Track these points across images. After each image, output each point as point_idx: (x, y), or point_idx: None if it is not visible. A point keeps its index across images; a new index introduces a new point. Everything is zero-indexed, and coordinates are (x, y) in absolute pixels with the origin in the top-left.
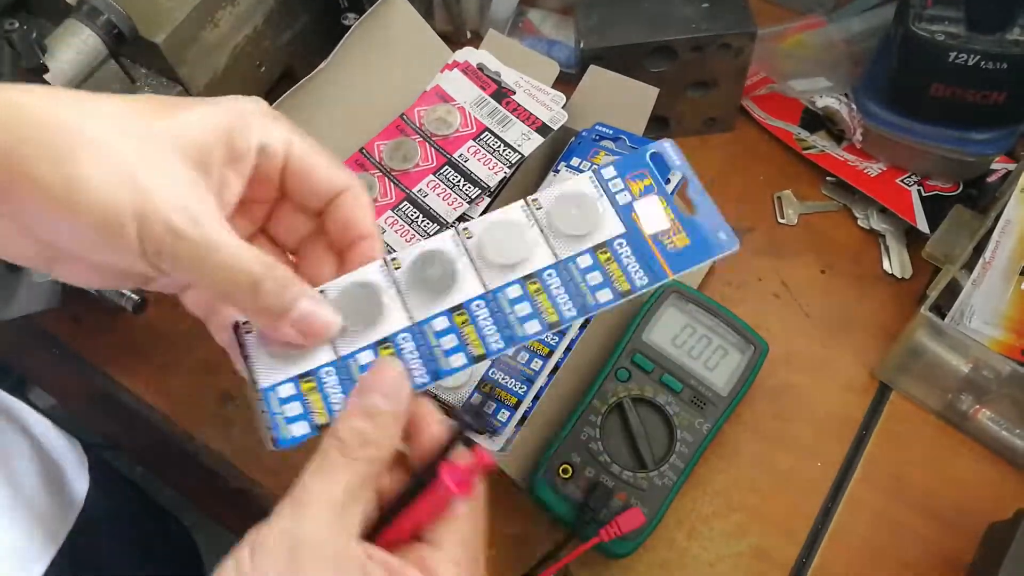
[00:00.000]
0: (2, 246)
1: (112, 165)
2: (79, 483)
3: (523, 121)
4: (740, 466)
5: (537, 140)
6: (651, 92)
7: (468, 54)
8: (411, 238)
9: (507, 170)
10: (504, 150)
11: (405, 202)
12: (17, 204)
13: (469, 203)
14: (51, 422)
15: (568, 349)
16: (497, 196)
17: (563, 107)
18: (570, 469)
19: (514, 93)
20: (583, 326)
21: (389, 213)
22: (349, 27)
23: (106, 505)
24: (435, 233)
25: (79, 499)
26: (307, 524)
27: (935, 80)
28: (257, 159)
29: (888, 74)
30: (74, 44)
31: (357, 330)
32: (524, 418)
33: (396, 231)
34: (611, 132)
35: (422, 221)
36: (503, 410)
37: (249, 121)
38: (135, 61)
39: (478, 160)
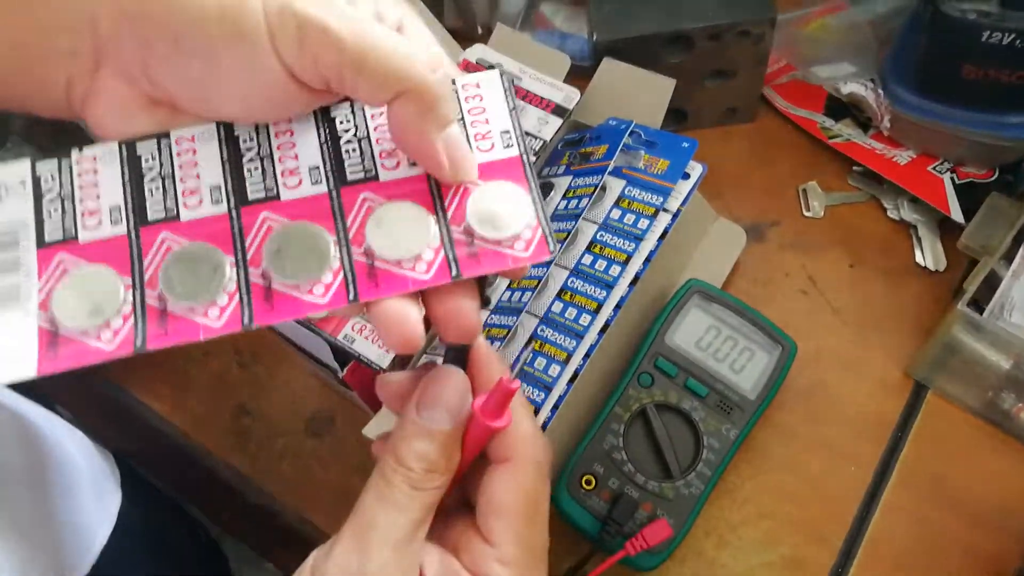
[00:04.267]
0: (106, 115)
1: None
2: (113, 496)
3: (536, 106)
4: (770, 472)
5: (556, 122)
6: (668, 84)
7: (478, 52)
8: None
9: (532, 157)
10: (525, 139)
11: None
12: (130, 27)
13: None
14: (86, 435)
15: (587, 355)
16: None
17: (577, 103)
18: (593, 480)
19: (520, 80)
20: (602, 330)
21: None
22: None
23: (138, 518)
24: None
25: (113, 512)
26: (373, 559)
27: (967, 61)
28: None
29: (917, 57)
30: None
31: None
32: (544, 428)
33: None
34: (625, 126)
35: None
36: None
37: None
38: None
39: None
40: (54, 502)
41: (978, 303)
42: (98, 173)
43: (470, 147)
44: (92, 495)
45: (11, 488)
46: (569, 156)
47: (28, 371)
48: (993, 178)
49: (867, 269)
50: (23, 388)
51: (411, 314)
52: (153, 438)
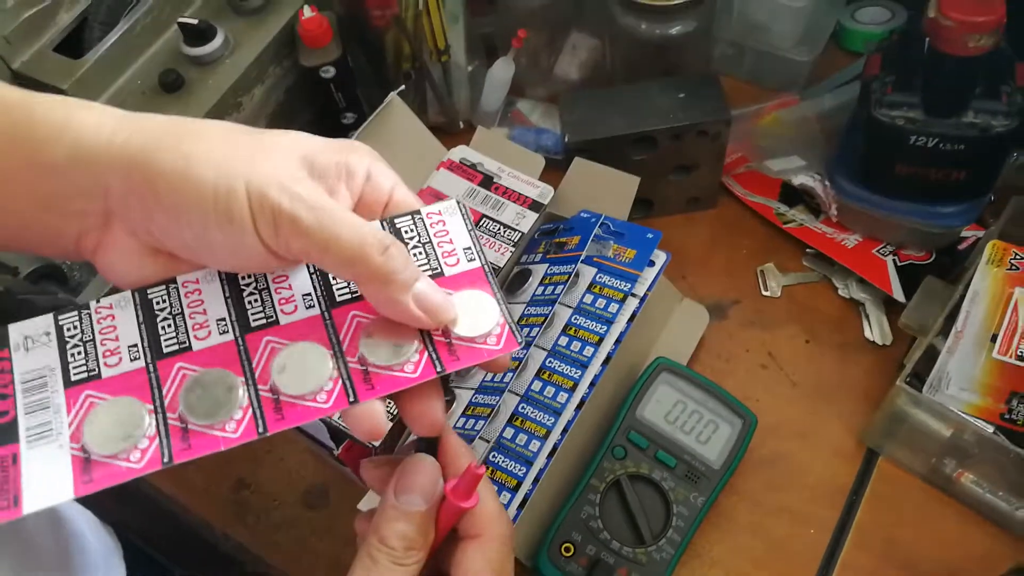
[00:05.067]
0: (115, 263)
1: (229, 147)
2: (119, 572)
3: (514, 202)
4: (736, 535)
5: (532, 216)
6: (633, 181)
7: (460, 152)
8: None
9: (512, 248)
10: (504, 231)
11: None
12: (137, 197)
13: None
14: (90, 512)
15: (565, 430)
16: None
17: (551, 198)
18: (572, 547)
19: (499, 178)
20: (578, 407)
21: None
22: (348, 125)
23: None
24: None
25: None
26: None
27: (899, 160)
28: (365, 186)
29: (856, 153)
30: None
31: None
32: (525, 500)
33: None
34: (595, 219)
35: None
36: (504, 492)
37: (362, 151)
38: None
39: (484, 245)
40: None
41: (919, 376)
42: (115, 319)
43: (440, 266)
44: (103, 572)
45: (32, 567)
46: (545, 245)
47: (66, 495)
48: (931, 260)
49: (822, 344)
50: None
51: (377, 410)
52: (155, 512)
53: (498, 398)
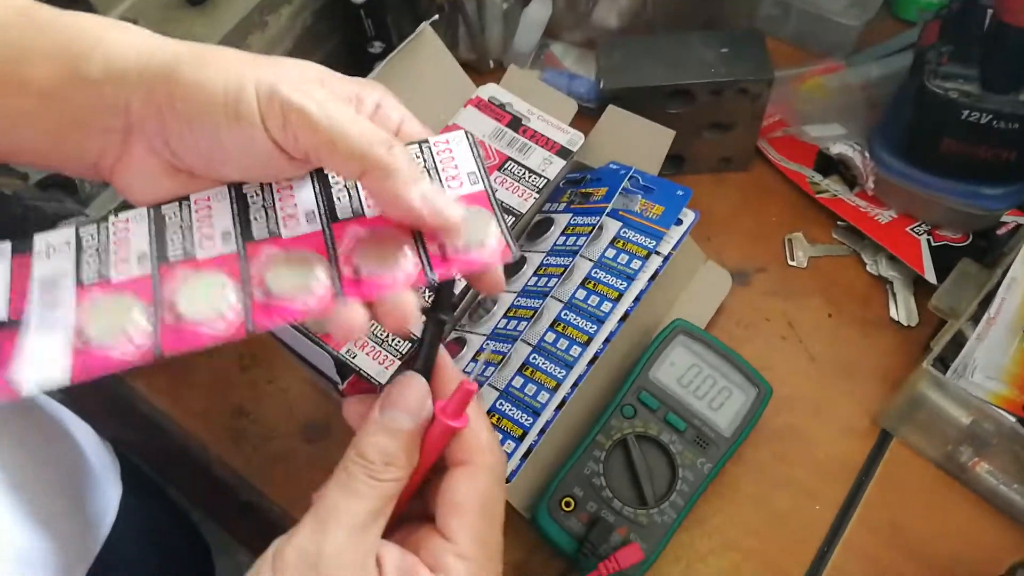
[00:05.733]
0: (133, 181)
1: (244, 61)
2: (115, 488)
3: (542, 146)
4: (739, 505)
5: (559, 163)
6: (668, 134)
7: (490, 90)
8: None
9: (536, 195)
10: (530, 176)
11: None
12: (155, 112)
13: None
14: (89, 425)
15: (575, 384)
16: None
17: (580, 146)
18: (572, 502)
19: (528, 120)
20: (591, 362)
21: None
22: (375, 54)
23: (134, 508)
24: None
25: (115, 504)
26: (329, 542)
27: (947, 135)
28: (376, 113)
29: (902, 125)
30: None
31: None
32: (530, 450)
33: None
34: (625, 171)
35: None
36: (509, 441)
37: (373, 86)
38: None
39: (506, 189)
40: (67, 494)
41: (944, 360)
42: (130, 231)
43: (443, 189)
44: (98, 487)
45: (34, 481)
46: (570, 194)
47: (64, 379)
48: (967, 243)
49: (844, 320)
50: None
51: (356, 311)
52: (151, 431)
53: (510, 346)
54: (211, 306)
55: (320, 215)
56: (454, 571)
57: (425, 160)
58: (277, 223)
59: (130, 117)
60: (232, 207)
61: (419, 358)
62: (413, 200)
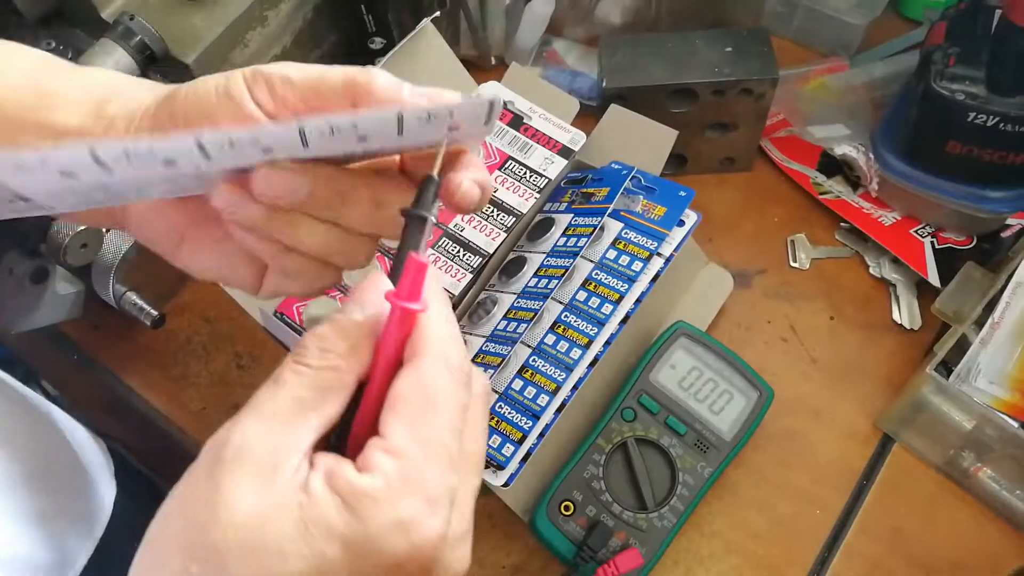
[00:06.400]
0: (142, 228)
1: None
2: (109, 488)
3: (543, 145)
4: (739, 509)
5: (561, 163)
6: (670, 134)
7: (491, 88)
8: (455, 273)
9: (536, 195)
10: (531, 176)
11: (444, 238)
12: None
13: (507, 231)
14: (80, 423)
15: (575, 387)
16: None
17: (582, 146)
18: (571, 506)
19: (530, 119)
20: (591, 364)
21: (429, 251)
22: (376, 50)
23: (130, 511)
24: (478, 267)
25: (109, 504)
26: (237, 431)
27: (952, 137)
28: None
29: (906, 127)
30: (107, 63)
31: None
32: (529, 454)
33: (439, 266)
34: (627, 171)
35: (464, 255)
36: (508, 444)
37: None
38: (165, 78)
39: (507, 189)
40: (61, 496)
41: (947, 365)
42: None
43: None
44: (91, 487)
45: (25, 482)
46: (571, 194)
47: None
48: (971, 246)
49: (846, 322)
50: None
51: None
52: (148, 429)
53: (509, 348)
54: None
55: None
56: (379, 468)
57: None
58: None
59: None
60: None
61: (395, 262)
62: (404, 95)
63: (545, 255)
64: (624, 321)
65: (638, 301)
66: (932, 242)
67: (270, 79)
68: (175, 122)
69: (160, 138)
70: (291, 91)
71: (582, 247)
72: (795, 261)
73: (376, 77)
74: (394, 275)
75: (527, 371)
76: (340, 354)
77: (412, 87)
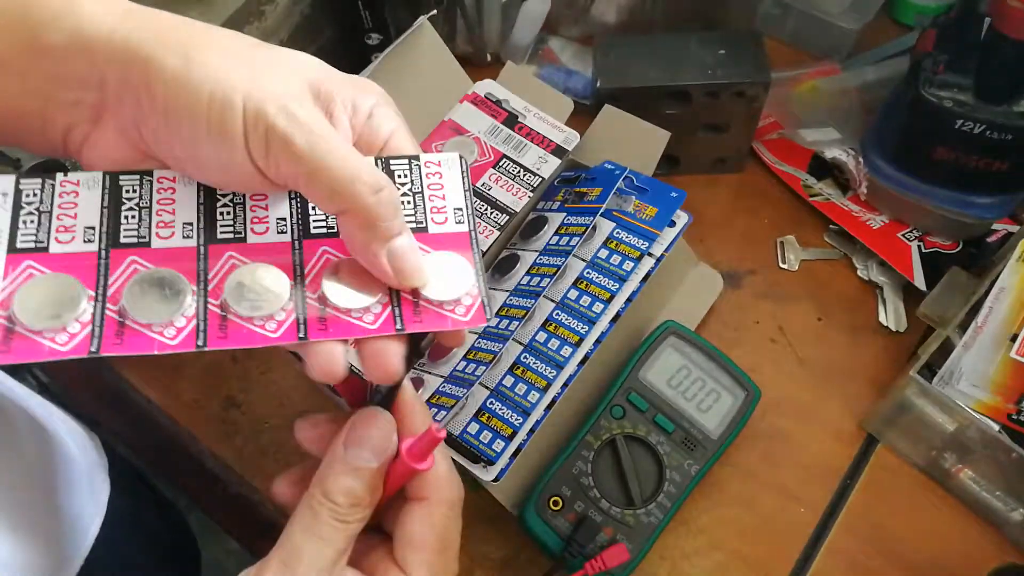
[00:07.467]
0: (101, 160)
1: (233, 57)
2: (103, 487)
3: (538, 145)
4: (725, 507)
5: (555, 162)
6: (663, 136)
7: (486, 86)
8: None
9: (530, 194)
10: (524, 175)
11: None
12: (132, 95)
13: (500, 229)
14: (73, 419)
15: (566, 384)
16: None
17: (576, 145)
18: (560, 501)
19: (524, 118)
20: (582, 362)
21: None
22: (372, 47)
23: (123, 506)
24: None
25: (104, 503)
26: None
27: (940, 144)
28: (369, 121)
29: (895, 132)
30: None
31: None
32: (519, 450)
33: None
34: (620, 171)
35: None
36: (498, 440)
37: (371, 90)
38: None
39: (501, 187)
40: (55, 496)
41: (931, 367)
42: (79, 196)
43: (426, 221)
44: (87, 488)
45: (18, 483)
46: (564, 193)
47: None
48: (957, 250)
49: (834, 324)
50: (18, 375)
51: (332, 351)
52: (142, 421)
53: (501, 345)
54: (164, 314)
55: (292, 225)
56: None
57: (412, 181)
58: (244, 224)
59: (105, 93)
60: (198, 195)
61: (383, 391)
62: (381, 258)
63: (538, 253)
64: (615, 320)
65: (629, 300)
66: (919, 246)
67: (271, 136)
68: (153, 105)
69: None
70: (287, 163)
71: (574, 246)
72: (784, 262)
73: (374, 223)
74: (387, 402)
75: (518, 368)
76: (366, 505)
77: (394, 250)
